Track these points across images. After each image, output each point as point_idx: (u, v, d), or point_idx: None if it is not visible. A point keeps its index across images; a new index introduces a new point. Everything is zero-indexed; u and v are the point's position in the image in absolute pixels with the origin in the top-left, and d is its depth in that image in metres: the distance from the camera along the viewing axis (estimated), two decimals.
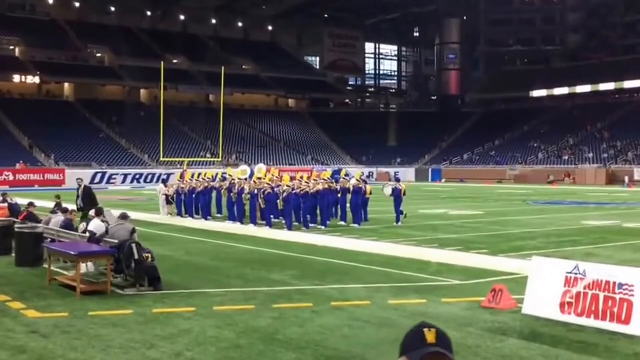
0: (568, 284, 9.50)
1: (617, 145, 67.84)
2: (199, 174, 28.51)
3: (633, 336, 8.68)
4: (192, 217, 26.52)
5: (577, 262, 9.74)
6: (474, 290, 11.66)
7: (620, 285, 8.96)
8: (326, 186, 23.33)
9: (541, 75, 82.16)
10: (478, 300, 10.72)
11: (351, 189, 23.82)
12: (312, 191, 22.73)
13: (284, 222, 22.91)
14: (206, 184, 26.65)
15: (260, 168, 28.74)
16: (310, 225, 22.67)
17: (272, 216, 23.48)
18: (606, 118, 72.78)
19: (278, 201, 23.02)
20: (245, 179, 25.94)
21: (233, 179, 26.16)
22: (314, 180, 24.23)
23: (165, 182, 32.67)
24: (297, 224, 22.70)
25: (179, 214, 27.33)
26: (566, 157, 68.96)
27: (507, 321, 9.62)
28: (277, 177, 26.14)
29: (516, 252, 16.60)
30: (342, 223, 23.66)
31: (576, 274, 9.45)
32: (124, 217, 13.83)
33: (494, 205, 34.71)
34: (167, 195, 28.35)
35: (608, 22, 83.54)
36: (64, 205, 18.60)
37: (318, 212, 23.46)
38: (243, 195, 24.21)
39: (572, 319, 9.36)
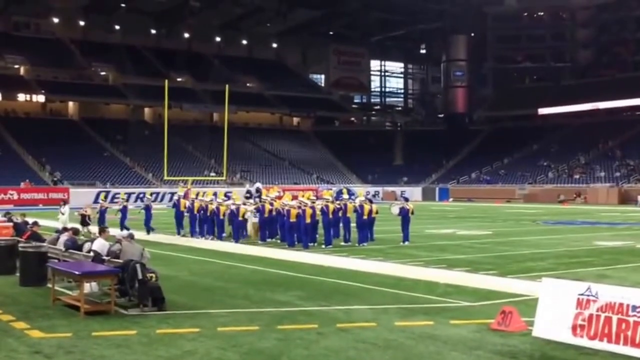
0: (580, 306, 9.31)
1: (630, 164, 66.50)
2: (202, 193, 28.23)
3: None
4: (199, 236, 26.33)
5: (589, 284, 9.53)
6: (483, 312, 11.48)
7: (634, 308, 8.77)
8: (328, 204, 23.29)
9: (551, 92, 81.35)
10: (487, 323, 10.55)
11: (356, 208, 23.68)
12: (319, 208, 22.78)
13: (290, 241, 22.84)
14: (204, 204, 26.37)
15: (258, 187, 28.85)
16: (310, 244, 22.52)
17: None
18: (618, 136, 71.46)
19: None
20: (249, 197, 25.89)
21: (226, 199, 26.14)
22: (310, 199, 24.16)
23: (65, 201, 31.31)
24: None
25: (192, 234, 26.87)
26: (577, 176, 67.81)
27: (516, 344, 9.45)
28: (269, 197, 25.51)
29: (526, 273, 16.41)
30: (343, 243, 23.35)
31: (588, 295, 9.27)
32: (131, 237, 13.74)
33: (503, 225, 34.44)
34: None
35: (619, 38, 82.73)
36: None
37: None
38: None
39: (584, 342, 9.16)
